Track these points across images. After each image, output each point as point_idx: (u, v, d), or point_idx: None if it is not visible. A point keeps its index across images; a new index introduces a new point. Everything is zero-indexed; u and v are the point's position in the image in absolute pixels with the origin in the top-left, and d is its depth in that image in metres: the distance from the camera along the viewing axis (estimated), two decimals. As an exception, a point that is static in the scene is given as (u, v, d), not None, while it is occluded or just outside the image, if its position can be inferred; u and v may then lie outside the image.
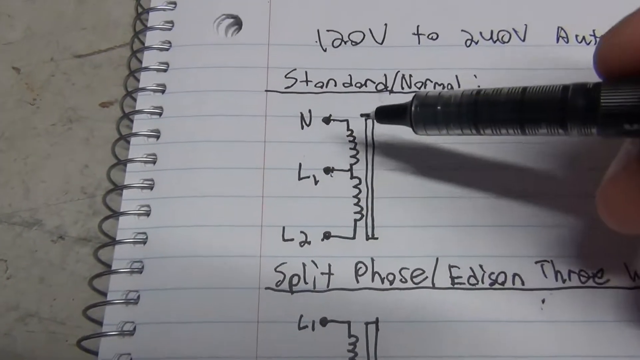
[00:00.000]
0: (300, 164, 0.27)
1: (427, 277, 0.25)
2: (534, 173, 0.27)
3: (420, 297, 0.25)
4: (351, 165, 0.27)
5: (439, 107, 0.22)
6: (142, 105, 0.29)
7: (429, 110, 0.23)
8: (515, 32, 0.30)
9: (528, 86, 0.20)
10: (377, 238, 0.26)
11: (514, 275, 0.25)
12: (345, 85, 0.29)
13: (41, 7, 0.34)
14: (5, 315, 0.27)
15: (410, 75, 0.29)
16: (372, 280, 0.25)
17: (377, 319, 0.24)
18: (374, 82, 0.29)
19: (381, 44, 0.30)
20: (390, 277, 0.25)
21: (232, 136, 0.28)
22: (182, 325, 0.24)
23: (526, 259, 0.25)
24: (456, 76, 0.29)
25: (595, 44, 0.30)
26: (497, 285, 0.25)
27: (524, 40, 0.30)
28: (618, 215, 0.19)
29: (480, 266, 0.25)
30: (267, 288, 0.25)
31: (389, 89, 0.29)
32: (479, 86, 0.29)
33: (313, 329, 0.24)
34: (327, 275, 0.25)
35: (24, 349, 0.26)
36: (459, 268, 0.25)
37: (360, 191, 0.27)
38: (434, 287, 0.25)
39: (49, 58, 0.32)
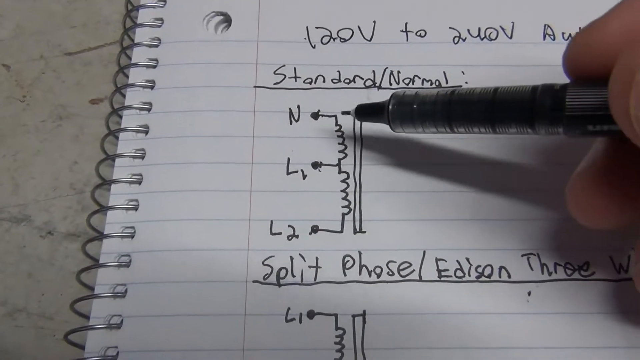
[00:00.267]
0: (288, 159, 0.27)
1: (414, 270, 0.25)
2: (521, 168, 0.27)
3: (407, 290, 0.25)
4: (339, 160, 0.28)
5: (415, 106, 0.23)
6: (131, 101, 0.29)
7: (405, 109, 0.23)
8: (503, 29, 0.30)
9: (500, 86, 0.21)
10: (364, 232, 0.26)
11: (501, 268, 0.25)
12: (334, 81, 0.29)
13: (31, 5, 0.34)
14: (-7, 310, 0.27)
15: (399, 72, 0.29)
16: (360, 273, 0.25)
17: (364, 311, 0.25)
18: (363, 79, 0.29)
19: (370, 40, 0.30)
20: (378, 270, 0.25)
21: (220, 131, 0.28)
22: (170, 318, 0.24)
23: (512, 252, 0.26)
24: (444, 72, 0.29)
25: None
26: (483, 278, 0.25)
27: (511, 38, 0.30)
28: (584, 210, 0.20)
29: (467, 259, 0.25)
30: (254, 281, 0.25)
31: (378, 85, 0.29)
32: (466, 82, 0.29)
33: (300, 321, 0.24)
34: (314, 269, 0.25)
35: (12, 344, 0.26)
36: (446, 261, 0.25)
37: (348, 185, 0.27)
38: (421, 280, 0.25)
39: (39, 56, 0.32)
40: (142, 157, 0.28)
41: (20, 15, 0.33)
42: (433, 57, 0.30)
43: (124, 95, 0.29)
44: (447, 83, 0.29)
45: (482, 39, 0.30)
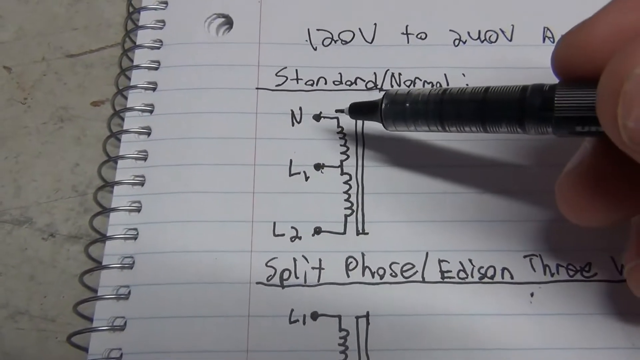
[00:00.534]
0: (291, 161, 0.28)
1: (417, 271, 0.25)
2: (523, 169, 0.27)
3: (411, 291, 0.25)
4: (341, 161, 0.28)
5: (407, 105, 0.23)
6: (133, 103, 0.29)
7: (398, 108, 0.24)
8: (503, 32, 0.31)
9: (491, 86, 0.21)
10: (367, 233, 0.26)
11: (503, 269, 0.25)
12: (336, 83, 0.29)
13: (33, 7, 0.34)
14: (-5, 313, 0.27)
15: (400, 74, 0.30)
16: (363, 274, 0.25)
17: (367, 313, 0.25)
18: (364, 81, 0.29)
19: (371, 43, 0.30)
20: (381, 272, 0.25)
21: (223, 133, 0.28)
22: (173, 320, 0.24)
23: (515, 254, 0.26)
24: (445, 75, 0.30)
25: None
26: (486, 280, 0.25)
27: (510, 40, 0.30)
28: (573, 208, 0.20)
29: (470, 260, 0.26)
30: (258, 283, 0.25)
31: (379, 87, 0.29)
32: (467, 84, 0.29)
33: (304, 323, 0.24)
34: (317, 270, 0.25)
35: (14, 347, 0.26)
36: (449, 262, 0.26)
37: (350, 187, 0.27)
38: (424, 281, 0.25)
39: (41, 58, 0.32)
40: (145, 159, 0.28)
41: (22, 17, 0.33)
42: (434, 59, 0.30)
43: (125, 97, 0.29)
44: (447, 85, 0.29)
45: (482, 42, 0.30)
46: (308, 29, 0.31)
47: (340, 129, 0.28)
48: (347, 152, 0.28)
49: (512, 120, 0.20)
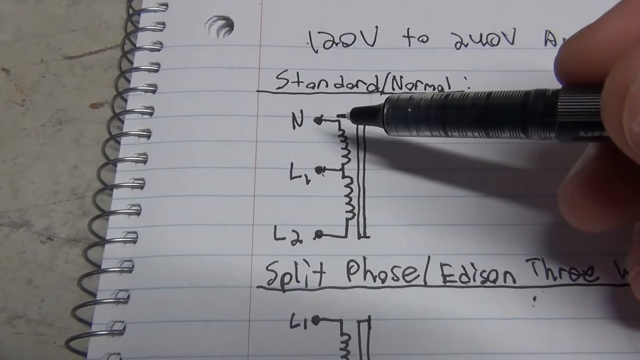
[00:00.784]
0: (292, 164, 0.27)
1: (418, 275, 0.25)
2: (526, 172, 0.27)
3: (412, 295, 0.25)
4: (343, 164, 0.27)
5: (409, 110, 0.23)
6: (133, 105, 0.29)
7: (400, 112, 0.24)
8: (504, 35, 0.30)
9: (493, 91, 0.21)
10: (368, 237, 0.26)
11: (505, 273, 0.25)
12: (337, 86, 0.29)
13: (32, 8, 0.33)
14: (-8, 317, 0.26)
15: (401, 77, 0.29)
16: (364, 278, 0.25)
17: (369, 317, 0.24)
18: (365, 83, 0.29)
19: (372, 45, 0.30)
20: (382, 276, 0.25)
21: (223, 136, 0.28)
22: (173, 324, 0.24)
23: (517, 257, 0.25)
24: (446, 78, 0.29)
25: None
26: (488, 283, 0.25)
27: (512, 43, 0.30)
28: (576, 213, 0.20)
29: (472, 264, 0.25)
30: (258, 287, 0.25)
31: (380, 90, 0.29)
32: (468, 87, 0.29)
33: (305, 327, 0.24)
34: (319, 274, 0.25)
35: (11, 351, 0.26)
36: (451, 266, 0.25)
37: (351, 190, 0.27)
38: (425, 285, 0.25)
39: (39, 59, 0.32)
40: (145, 162, 0.27)
41: (21, 18, 0.33)
42: (435, 62, 0.30)
43: (125, 100, 0.29)
44: (449, 88, 0.29)
45: (484, 45, 0.30)
46: (309, 32, 0.30)
47: (341, 132, 0.28)
48: (349, 155, 0.28)
49: (515, 126, 0.20)
